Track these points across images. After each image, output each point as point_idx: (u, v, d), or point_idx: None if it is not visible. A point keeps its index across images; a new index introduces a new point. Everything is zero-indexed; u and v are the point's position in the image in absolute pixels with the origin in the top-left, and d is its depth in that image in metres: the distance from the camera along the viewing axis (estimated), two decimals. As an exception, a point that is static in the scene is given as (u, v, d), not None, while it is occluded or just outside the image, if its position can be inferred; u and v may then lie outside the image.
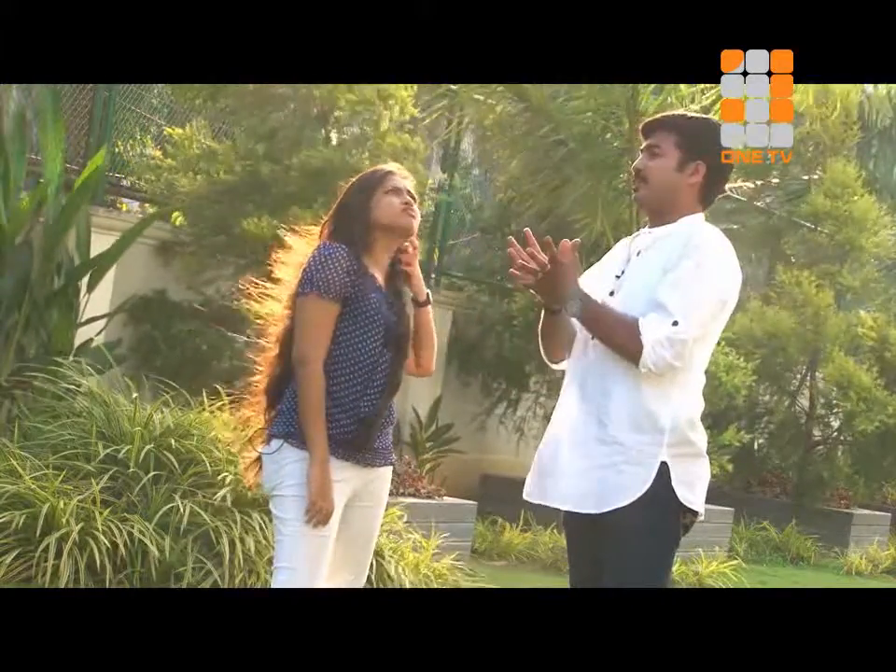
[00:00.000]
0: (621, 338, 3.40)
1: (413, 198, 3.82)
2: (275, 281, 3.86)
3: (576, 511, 3.48)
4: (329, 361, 3.68)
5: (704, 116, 3.87)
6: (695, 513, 3.47)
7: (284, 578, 3.64)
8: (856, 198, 12.15)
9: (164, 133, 9.03)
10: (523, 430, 11.14)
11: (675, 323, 3.35)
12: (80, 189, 7.26)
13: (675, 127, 3.59)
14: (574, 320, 3.52)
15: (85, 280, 7.47)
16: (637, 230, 3.79)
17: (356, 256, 3.71)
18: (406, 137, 8.15)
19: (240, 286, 7.90)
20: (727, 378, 9.49)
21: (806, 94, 9.32)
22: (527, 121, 9.52)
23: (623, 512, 3.38)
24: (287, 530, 3.65)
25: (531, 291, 3.56)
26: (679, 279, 3.39)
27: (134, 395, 6.51)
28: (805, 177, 12.92)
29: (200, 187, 8.25)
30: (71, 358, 7.05)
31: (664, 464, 3.39)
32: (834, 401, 12.37)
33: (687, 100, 8.93)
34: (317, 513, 3.60)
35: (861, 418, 11.50)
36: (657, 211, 3.60)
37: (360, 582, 3.86)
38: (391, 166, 3.92)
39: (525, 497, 3.60)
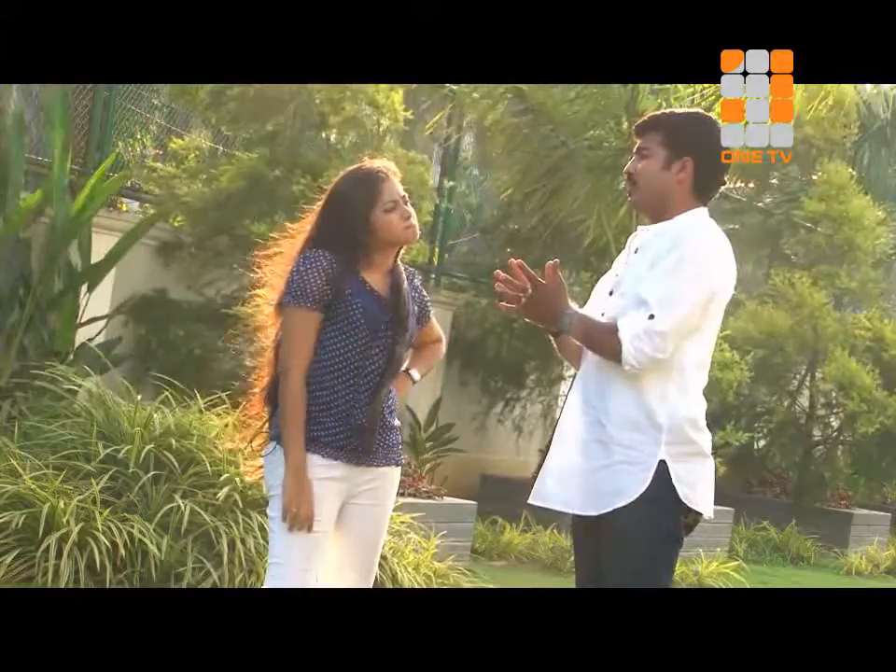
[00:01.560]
0: (603, 341, 3.41)
1: (407, 200, 3.81)
2: (265, 285, 3.87)
3: (578, 513, 3.48)
4: (316, 367, 3.71)
5: (692, 111, 3.83)
6: (699, 513, 3.47)
7: (276, 573, 3.69)
8: (851, 198, 12.13)
9: (167, 146, 9.02)
10: (521, 429, 11.14)
11: (651, 316, 3.34)
12: (92, 198, 7.23)
13: (660, 126, 3.56)
14: None
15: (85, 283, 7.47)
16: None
17: (344, 261, 3.70)
18: (407, 154, 8.15)
19: (240, 289, 7.94)
20: (722, 375, 9.50)
21: (807, 94, 9.34)
22: (527, 122, 9.52)
23: (623, 512, 3.37)
24: (276, 527, 3.70)
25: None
26: (661, 272, 3.38)
27: (138, 396, 6.50)
28: (804, 178, 12.92)
29: (202, 191, 8.25)
30: (71, 359, 7.06)
31: (662, 462, 3.38)
32: (835, 401, 12.37)
33: (686, 100, 8.92)
34: (293, 519, 3.64)
35: (862, 420, 11.50)
36: (652, 212, 3.59)
37: (368, 583, 3.87)
38: (380, 165, 3.83)
39: (530, 500, 3.60)
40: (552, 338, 3.64)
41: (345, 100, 8.01)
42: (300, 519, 3.64)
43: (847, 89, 11.97)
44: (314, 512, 3.65)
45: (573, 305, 3.51)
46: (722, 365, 9.59)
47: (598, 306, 3.58)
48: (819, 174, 12.44)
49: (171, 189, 8.33)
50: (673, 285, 3.37)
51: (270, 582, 3.70)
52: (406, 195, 3.81)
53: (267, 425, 3.81)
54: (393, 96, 8.20)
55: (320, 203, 3.83)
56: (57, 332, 7.26)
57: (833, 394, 12.26)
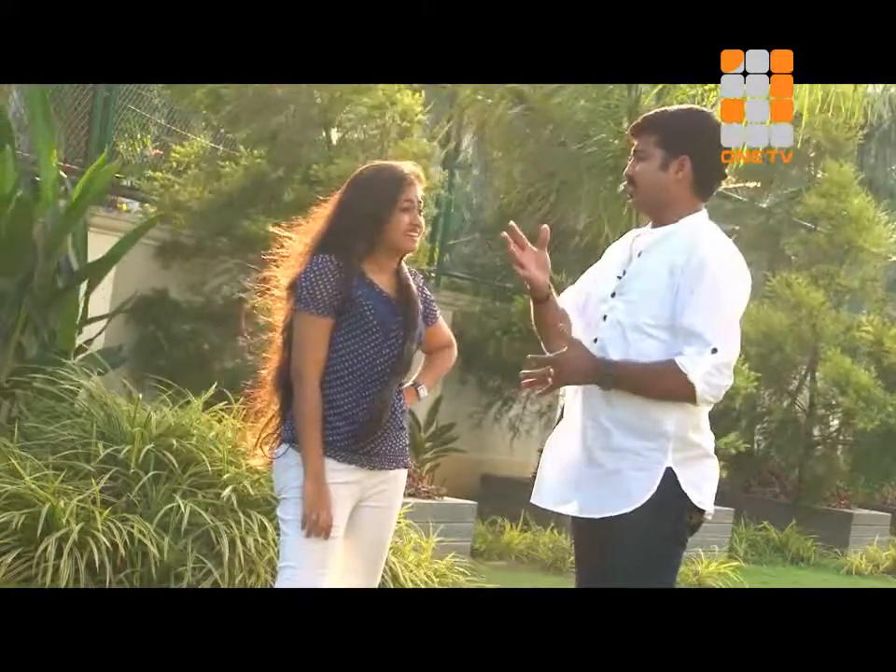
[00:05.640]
0: (666, 386, 3.37)
1: (421, 209, 3.81)
2: (272, 275, 3.87)
3: (582, 516, 3.48)
4: (328, 369, 3.72)
5: (685, 108, 3.81)
6: (702, 513, 3.47)
7: (287, 576, 3.68)
8: (852, 197, 12.12)
9: (168, 150, 9.01)
10: (518, 429, 11.14)
11: (714, 350, 3.34)
12: (85, 191, 7.22)
13: (655, 127, 3.55)
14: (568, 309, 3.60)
15: (85, 281, 7.46)
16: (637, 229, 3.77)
17: (351, 265, 3.71)
18: (422, 143, 8.10)
19: (242, 286, 7.94)
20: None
21: (814, 95, 9.31)
22: (528, 122, 9.52)
23: (630, 517, 3.37)
24: (290, 530, 3.69)
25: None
26: (703, 302, 3.36)
27: (137, 395, 6.50)
28: (807, 176, 12.92)
29: (203, 192, 8.25)
30: (73, 360, 7.05)
31: (669, 469, 3.39)
32: (834, 401, 12.35)
33: (688, 100, 8.92)
34: (313, 526, 3.65)
35: (860, 416, 11.49)
36: (654, 213, 3.59)
37: (373, 584, 3.87)
38: (408, 167, 3.84)
39: (532, 500, 3.60)
40: (532, 305, 3.63)
41: (355, 94, 7.96)
42: (319, 526, 3.64)
43: (852, 89, 11.93)
44: (333, 519, 3.66)
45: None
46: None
47: (597, 307, 3.56)
48: (822, 172, 12.43)
49: (172, 196, 8.33)
50: (721, 313, 3.38)
51: (282, 586, 3.69)
52: (421, 203, 3.81)
53: (278, 424, 3.81)
54: (407, 99, 8.13)
55: (340, 191, 3.83)
56: (58, 332, 7.25)
57: (832, 393, 12.23)
